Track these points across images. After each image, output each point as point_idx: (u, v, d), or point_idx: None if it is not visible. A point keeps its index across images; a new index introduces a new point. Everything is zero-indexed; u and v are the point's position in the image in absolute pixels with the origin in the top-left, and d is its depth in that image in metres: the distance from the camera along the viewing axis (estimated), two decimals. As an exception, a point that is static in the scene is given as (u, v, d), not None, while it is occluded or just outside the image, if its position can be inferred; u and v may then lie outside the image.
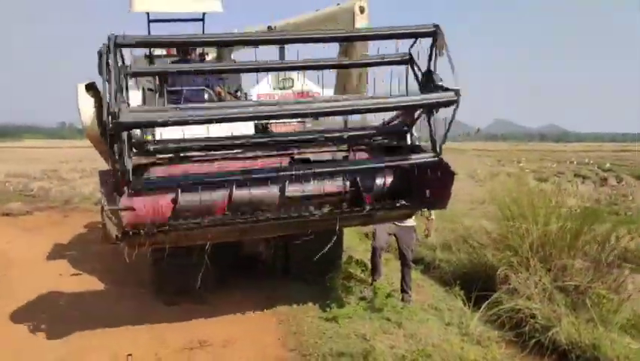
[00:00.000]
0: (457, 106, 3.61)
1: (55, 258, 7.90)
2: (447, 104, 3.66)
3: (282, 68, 4.08)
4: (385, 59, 4.10)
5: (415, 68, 3.97)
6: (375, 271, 6.03)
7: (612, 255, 6.27)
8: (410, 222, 5.80)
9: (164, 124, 3.41)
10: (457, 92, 3.54)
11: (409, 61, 4.02)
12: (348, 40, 4.60)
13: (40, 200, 14.10)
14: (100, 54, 3.18)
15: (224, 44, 4.39)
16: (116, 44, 3.24)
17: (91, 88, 3.44)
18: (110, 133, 3.21)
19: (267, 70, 4.26)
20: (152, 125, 3.92)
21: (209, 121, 3.36)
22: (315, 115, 4.17)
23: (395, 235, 5.90)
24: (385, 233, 5.86)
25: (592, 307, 5.49)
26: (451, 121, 3.76)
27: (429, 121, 4.02)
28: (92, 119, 3.95)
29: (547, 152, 49.65)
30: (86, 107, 4.11)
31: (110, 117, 3.07)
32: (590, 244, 6.46)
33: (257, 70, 4.27)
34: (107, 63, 3.15)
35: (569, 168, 26.29)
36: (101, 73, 3.17)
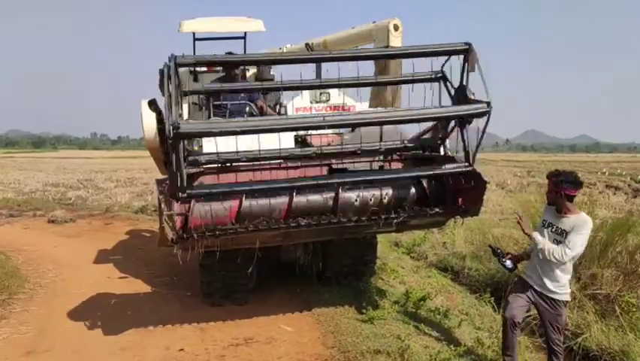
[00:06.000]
0: (489, 117, 3.86)
1: (101, 262, 8.17)
2: (479, 115, 3.90)
3: (320, 86, 4.42)
4: (417, 77, 4.35)
5: (448, 85, 4.25)
6: (506, 348, 4.38)
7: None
8: (559, 292, 4.13)
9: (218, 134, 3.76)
10: (488, 104, 3.78)
11: (441, 78, 4.30)
12: (383, 59, 4.91)
13: (79, 208, 14.45)
14: (162, 72, 3.51)
15: (270, 63, 4.74)
16: (177, 64, 3.58)
17: (152, 104, 3.79)
18: (170, 140, 3.49)
19: (307, 88, 4.66)
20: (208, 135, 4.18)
21: (257, 131, 3.66)
22: (358, 124, 4.41)
23: (536, 306, 4.32)
24: (522, 301, 4.30)
25: (621, 315, 5.57)
26: (484, 131, 3.98)
27: (462, 133, 4.26)
28: (153, 131, 4.28)
29: (578, 163, 48.82)
30: (148, 120, 4.47)
31: (171, 128, 3.37)
32: (621, 254, 6.52)
33: (298, 88, 4.60)
34: (169, 78, 3.47)
35: (600, 180, 25.91)
36: (162, 88, 3.50)
